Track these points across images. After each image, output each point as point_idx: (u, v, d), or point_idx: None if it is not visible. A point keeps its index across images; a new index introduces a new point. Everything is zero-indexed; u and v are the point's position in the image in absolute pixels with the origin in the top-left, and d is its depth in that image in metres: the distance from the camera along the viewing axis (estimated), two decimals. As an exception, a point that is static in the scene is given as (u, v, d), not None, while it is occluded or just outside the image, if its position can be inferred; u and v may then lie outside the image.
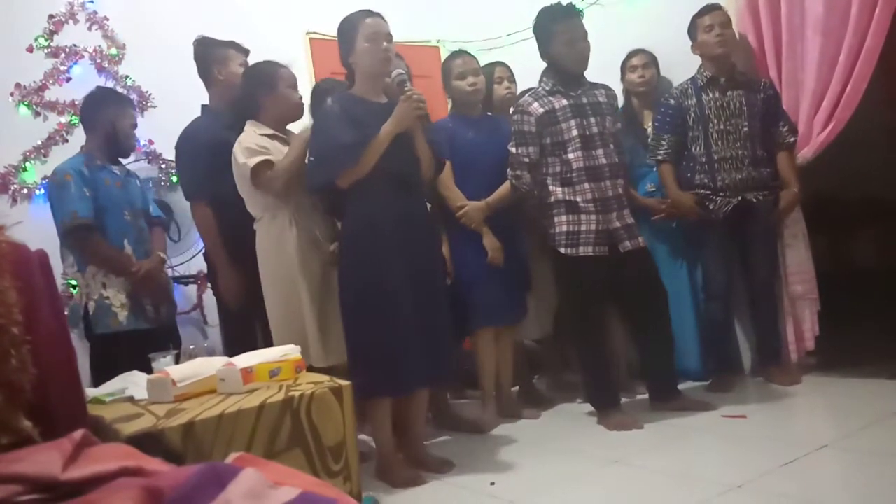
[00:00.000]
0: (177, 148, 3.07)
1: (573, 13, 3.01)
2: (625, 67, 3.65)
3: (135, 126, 3.17)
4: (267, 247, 2.78)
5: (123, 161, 3.24)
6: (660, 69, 3.64)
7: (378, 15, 2.60)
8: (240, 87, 2.91)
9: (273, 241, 2.76)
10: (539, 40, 3.05)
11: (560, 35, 2.97)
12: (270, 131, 2.79)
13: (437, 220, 3.05)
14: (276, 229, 2.75)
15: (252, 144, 2.72)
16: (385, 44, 2.56)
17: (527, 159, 2.98)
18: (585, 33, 3.00)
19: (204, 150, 2.85)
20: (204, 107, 3.10)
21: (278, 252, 2.74)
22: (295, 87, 2.87)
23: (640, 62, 3.60)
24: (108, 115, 3.06)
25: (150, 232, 3.20)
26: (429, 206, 2.94)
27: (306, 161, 2.60)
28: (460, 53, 3.40)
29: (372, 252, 2.51)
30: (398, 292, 2.50)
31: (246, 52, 3.12)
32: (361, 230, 2.55)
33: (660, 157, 3.36)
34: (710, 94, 3.28)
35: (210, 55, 3.06)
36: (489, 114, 3.39)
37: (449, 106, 3.46)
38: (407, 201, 2.61)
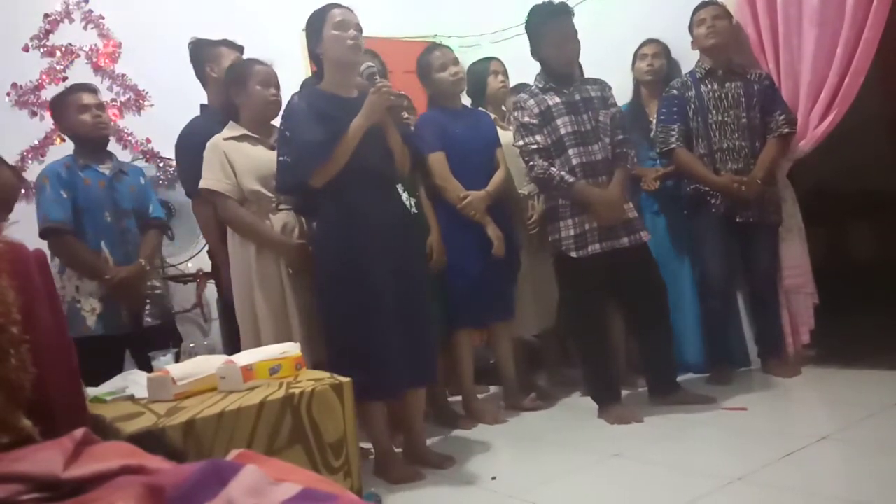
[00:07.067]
0: (177, 146, 3.05)
1: (563, 12, 2.97)
2: (636, 56, 3.64)
3: (94, 105, 2.99)
4: (233, 246, 2.73)
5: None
6: (671, 60, 3.62)
7: (347, 7, 2.54)
8: (223, 89, 2.88)
9: (235, 240, 2.71)
10: (530, 39, 3.03)
11: (549, 35, 2.96)
12: (242, 132, 2.72)
13: (421, 214, 3.02)
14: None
15: (213, 159, 2.68)
16: (353, 32, 2.48)
17: (535, 146, 2.94)
18: (575, 33, 2.97)
19: (202, 148, 2.82)
20: (202, 106, 3.10)
21: (240, 251, 2.69)
22: (268, 83, 2.75)
23: (651, 51, 3.59)
24: (64, 113, 3.01)
25: (144, 234, 3.09)
26: (413, 200, 2.90)
27: (277, 161, 2.51)
28: (436, 46, 3.37)
29: (349, 251, 2.43)
30: (379, 291, 2.41)
31: (240, 49, 3.10)
32: (336, 229, 2.46)
33: (673, 145, 3.29)
34: (709, 86, 3.28)
35: (203, 55, 3.06)
36: (467, 106, 3.38)
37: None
38: (382, 197, 2.53)
